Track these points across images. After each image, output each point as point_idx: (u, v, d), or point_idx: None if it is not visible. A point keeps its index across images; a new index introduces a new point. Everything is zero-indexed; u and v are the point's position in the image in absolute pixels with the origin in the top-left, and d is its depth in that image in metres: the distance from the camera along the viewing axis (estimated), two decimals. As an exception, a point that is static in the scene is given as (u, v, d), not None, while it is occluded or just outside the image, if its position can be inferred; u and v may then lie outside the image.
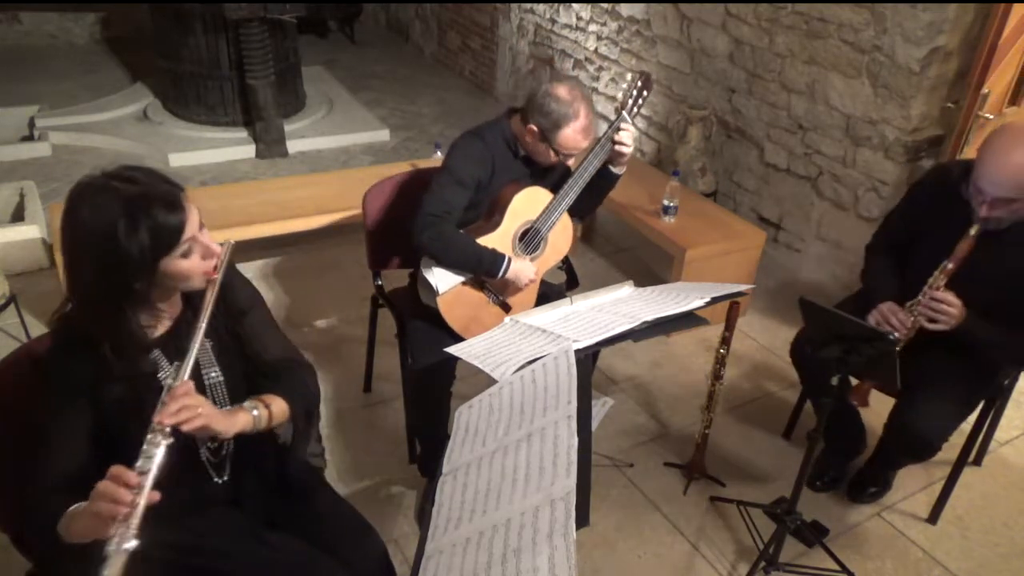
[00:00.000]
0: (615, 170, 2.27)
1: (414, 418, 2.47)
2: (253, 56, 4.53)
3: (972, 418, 2.28)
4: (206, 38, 4.58)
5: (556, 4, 5.08)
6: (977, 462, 2.65)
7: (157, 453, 1.21)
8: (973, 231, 1.91)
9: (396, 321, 2.41)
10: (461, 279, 2.18)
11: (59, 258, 2.82)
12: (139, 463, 1.20)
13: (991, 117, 3.02)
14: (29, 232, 3.37)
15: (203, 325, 1.30)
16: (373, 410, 2.75)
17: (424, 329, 2.23)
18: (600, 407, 2.69)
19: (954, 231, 1.96)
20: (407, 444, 2.53)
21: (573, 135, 2.12)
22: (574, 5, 4.92)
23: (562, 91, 2.10)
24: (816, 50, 3.45)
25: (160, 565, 1.32)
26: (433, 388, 2.22)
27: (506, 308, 2.27)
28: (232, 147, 4.76)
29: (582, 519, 1.06)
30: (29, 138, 4.74)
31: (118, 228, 1.22)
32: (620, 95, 2.26)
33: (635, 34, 4.48)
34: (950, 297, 1.95)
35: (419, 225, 2.08)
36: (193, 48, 4.62)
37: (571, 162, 2.24)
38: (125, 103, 5.13)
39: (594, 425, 2.19)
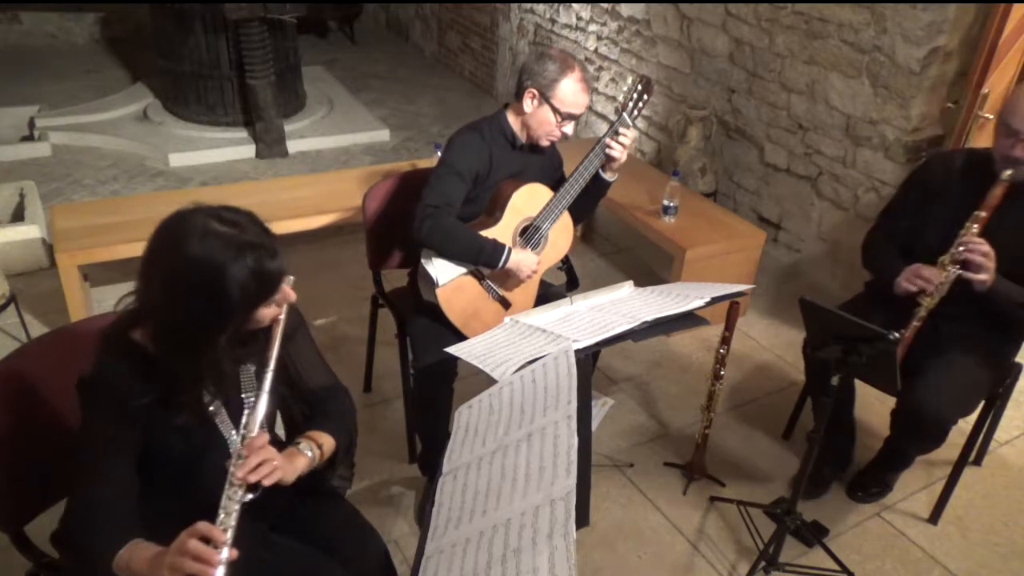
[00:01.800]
0: (606, 176, 2.27)
1: (414, 418, 2.47)
2: (253, 56, 4.53)
3: (972, 418, 2.28)
4: (206, 38, 4.58)
5: (556, 4, 5.08)
6: (977, 462, 2.65)
7: (236, 509, 1.21)
8: (1006, 175, 1.95)
9: (396, 321, 2.41)
10: (462, 271, 2.18)
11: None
12: (220, 518, 1.19)
13: (991, 117, 3.02)
14: (29, 232, 3.37)
15: (271, 369, 1.31)
16: (373, 410, 2.75)
17: (425, 328, 2.23)
18: (600, 407, 2.70)
19: (963, 212, 1.99)
20: (407, 444, 2.53)
21: (572, 87, 2.12)
22: (574, 5, 4.92)
23: (554, 52, 2.14)
24: (816, 50, 3.45)
25: None
26: (433, 388, 2.22)
27: (505, 304, 2.27)
28: (232, 147, 4.76)
29: (582, 519, 1.06)
30: (29, 138, 4.74)
31: (228, 270, 1.22)
32: (620, 98, 2.26)
33: (635, 34, 4.48)
34: (986, 244, 1.95)
35: (419, 217, 2.08)
36: (193, 48, 4.62)
37: (570, 129, 2.22)
38: (125, 103, 5.13)
39: (594, 425, 2.19)
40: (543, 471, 1.17)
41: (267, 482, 1.26)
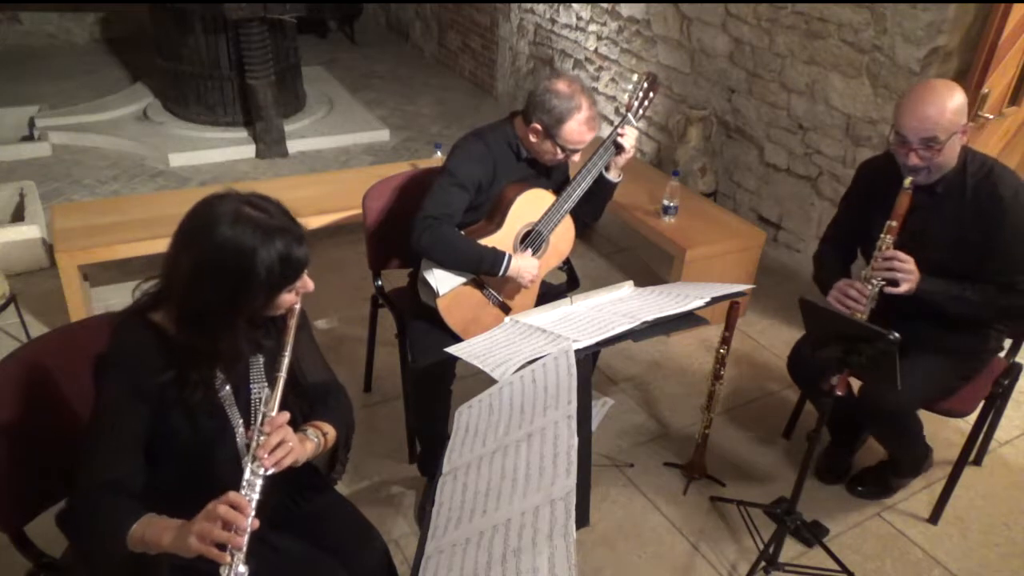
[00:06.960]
0: (610, 177, 2.27)
1: (414, 418, 2.47)
2: (253, 56, 4.53)
3: (972, 418, 2.29)
4: (206, 38, 4.58)
5: (556, 4, 5.08)
6: (977, 462, 2.64)
7: (258, 482, 1.25)
8: (907, 183, 1.97)
9: (396, 321, 2.41)
10: (461, 280, 2.18)
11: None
12: (244, 490, 1.23)
13: (991, 117, 3.02)
14: (29, 232, 3.37)
15: (288, 353, 1.35)
16: (373, 410, 2.75)
17: (424, 329, 2.23)
18: (600, 407, 2.69)
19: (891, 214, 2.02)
20: (407, 444, 2.53)
21: (578, 127, 2.11)
22: (574, 5, 4.92)
23: (561, 85, 2.10)
24: (816, 50, 3.45)
25: (162, 566, 1.32)
26: (433, 388, 2.22)
27: (506, 310, 2.27)
28: (232, 147, 4.76)
29: (582, 519, 1.06)
30: (29, 138, 4.74)
31: (257, 253, 1.27)
32: (626, 96, 2.25)
33: (635, 34, 4.48)
34: (900, 254, 1.97)
35: (419, 227, 2.07)
36: (193, 48, 4.62)
37: (576, 157, 2.23)
38: (125, 103, 5.13)
39: (594, 425, 2.19)
40: (543, 471, 1.17)
41: (283, 464, 1.30)
